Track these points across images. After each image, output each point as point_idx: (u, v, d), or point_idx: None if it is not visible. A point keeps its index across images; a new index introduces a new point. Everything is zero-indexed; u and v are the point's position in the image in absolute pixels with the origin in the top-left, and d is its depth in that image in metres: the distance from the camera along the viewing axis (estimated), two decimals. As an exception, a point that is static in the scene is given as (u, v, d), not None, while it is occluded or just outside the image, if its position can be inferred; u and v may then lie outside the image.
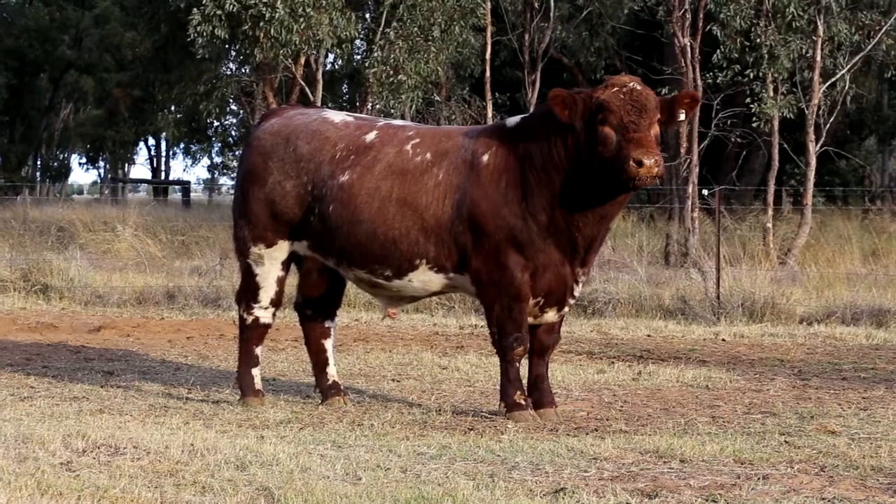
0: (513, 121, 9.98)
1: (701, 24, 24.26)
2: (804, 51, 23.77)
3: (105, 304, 18.41)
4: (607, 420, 9.67)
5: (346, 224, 9.90)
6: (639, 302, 17.58)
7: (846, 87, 24.45)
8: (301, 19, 23.75)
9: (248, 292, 10.45)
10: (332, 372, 10.47)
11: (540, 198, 9.52)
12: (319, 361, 10.50)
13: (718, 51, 24.02)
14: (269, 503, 6.70)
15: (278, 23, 23.60)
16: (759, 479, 7.32)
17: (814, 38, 23.69)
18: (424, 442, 8.50)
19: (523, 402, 9.67)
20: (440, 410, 9.94)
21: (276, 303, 10.45)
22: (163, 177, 68.09)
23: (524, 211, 9.54)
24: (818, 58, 23.68)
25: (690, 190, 23.99)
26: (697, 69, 24.15)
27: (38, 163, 59.31)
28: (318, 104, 24.85)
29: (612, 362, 13.03)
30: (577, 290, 9.86)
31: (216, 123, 53.44)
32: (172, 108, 48.31)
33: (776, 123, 24.36)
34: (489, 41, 27.73)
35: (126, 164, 73.70)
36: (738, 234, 22.12)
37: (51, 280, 19.18)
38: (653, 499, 6.90)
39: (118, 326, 15.90)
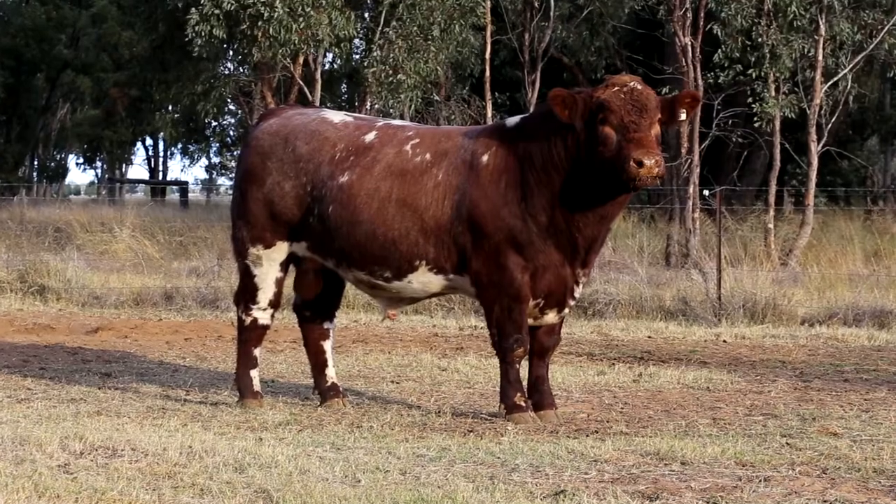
0: (512, 121, 9.95)
1: (702, 24, 24.25)
2: (806, 50, 23.74)
3: (102, 305, 18.38)
4: (608, 422, 9.65)
5: (346, 225, 9.87)
6: (639, 303, 17.57)
7: (848, 87, 24.42)
8: (300, 18, 23.72)
9: (246, 293, 10.42)
10: (330, 373, 10.45)
11: (540, 198, 9.49)
12: (318, 363, 10.47)
13: (719, 50, 24.00)
14: (267, 506, 6.68)
15: (277, 22, 23.57)
16: (760, 481, 7.29)
17: (815, 37, 23.66)
18: (424, 444, 8.47)
19: (523, 404, 9.64)
20: (440, 412, 9.91)
21: (275, 304, 10.42)
22: (160, 177, 68.10)
23: (524, 211, 9.51)
24: (820, 57, 23.65)
25: (691, 190, 23.97)
26: (698, 68, 24.13)
27: (35, 163, 59.33)
28: (317, 104, 24.82)
29: (613, 364, 13.01)
30: (578, 292, 9.83)
31: (214, 123, 53.56)
32: (170, 107, 48.29)
33: (778, 123, 24.33)
34: (489, 40, 27.69)
35: (123, 165, 73.72)
36: (739, 234, 22.10)
37: (48, 281, 19.14)
38: (654, 501, 6.88)
39: (116, 328, 15.87)
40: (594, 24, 31.16)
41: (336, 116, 10.45)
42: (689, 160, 24.23)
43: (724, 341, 15.22)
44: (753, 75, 23.85)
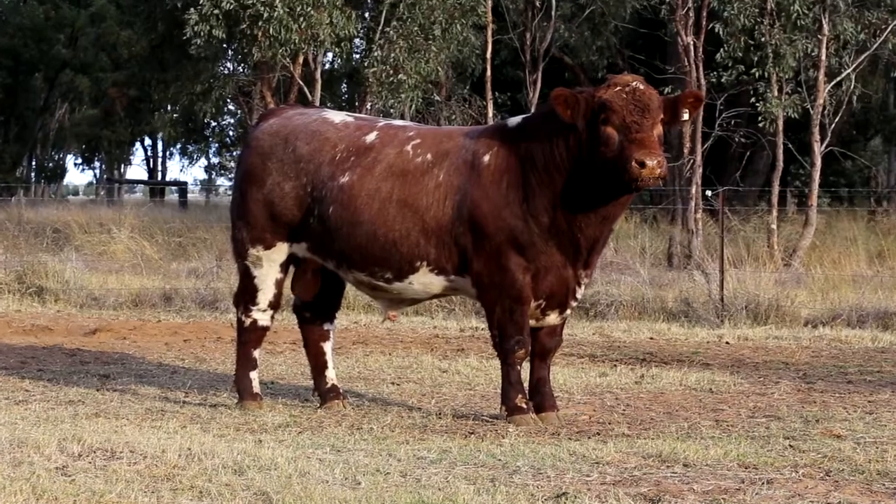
0: (514, 121, 9.91)
1: (704, 23, 24.25)
2: (809, 49, 23.72)
3: (101, 306, 18.36)
4: (609, 424, 9.62)
5: (346, 226, 9.83)
6: (641, 304, 17.56)
7: (852, 87, 24.40)
8: (301, 18, 23.70)
9: (246, 294, 10.38)
10: (330, 375, 10.41)
11: (541, 199, 9.45)
12: (318, 364, 10.43)
13: (722, 49, 23.97)
14: (266, 509, 6.65)
15: (277, 22, 23.55)
16: (763, 483, 7.27)
17: (819, 36, 23.65)
18: (424, 446, 8.44)
19: (525, 406, 9.60)
20: (440, 414, 9.88)
21: (275, 305, 10.38)
22: (159, 177, 68.16)
23: (525, 212, 9.47)
24: (823, 57, 23.64)
25: (694, 191, 23.97)
26: (701, 68, 24.13)
27: (33, 163, 59.37)
28: (317, 104, 24.80)
29: (615, 365, 12.99)
30: (580, 293, 9.80)
31: (213, 123, 53.59)
32: (169, 107, 48.36)
33: (781, 123, 24.33)
34: (490, 40, 27.69)
35: (122, 165, 73.81)
36: (741, 235, 22.11)
37: (46, 282, 19.11)
38: (656, 503, 6.85)
39: (114, 329, 15.84)
40: (596, 24, 31.17)
41: (337, 117, 10.40)
42: (692, 160, 24.22)
43: (727, 343, 15.20)
44: (756, 75, 23.83)
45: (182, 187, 57.77)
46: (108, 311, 17.95)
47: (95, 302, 18.57)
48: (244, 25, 23.82)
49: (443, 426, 9.43)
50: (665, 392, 11.31)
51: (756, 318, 16.78)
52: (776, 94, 23.85)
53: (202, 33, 24.15)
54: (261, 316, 10.35)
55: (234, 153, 54.08)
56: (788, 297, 17.27)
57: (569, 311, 9.84)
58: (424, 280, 9.77)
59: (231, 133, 53.80)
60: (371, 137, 10.05)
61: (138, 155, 76.02)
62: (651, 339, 15.55)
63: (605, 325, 16.58)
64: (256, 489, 6.91)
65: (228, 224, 11.01)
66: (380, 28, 25.26)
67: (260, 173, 10.23)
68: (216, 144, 62.31)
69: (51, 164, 61.40)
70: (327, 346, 10.46)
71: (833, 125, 24.61)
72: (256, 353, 10.42)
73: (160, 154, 71.39)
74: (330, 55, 29.09)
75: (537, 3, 28.82)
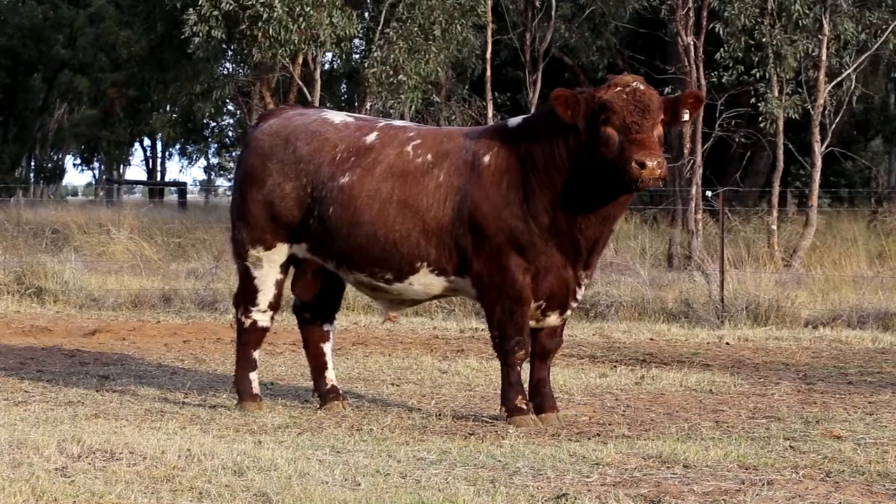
0: (514, 121, 9.90)
1: (704, 23, 24.24)
2: (810, 50, 23.71)
3: (100, 307, 18.35)
4: (610, 425, 9.61)
5: (346, 226, 9.82)
6: (641, 305, 17.56)
7: (852, 87, 24.39)
8: (300, 18, 23.69)
9: (245, 295, 10.37)
10: (330, 376, 10.39)
11: (542, 199, 9.44)
12: (318, 365, 10.42)
13: (722, 50, 23.96)
14: (266, 510, 6.64)
15: (276, 22, 23.54)
16: (763, 484, 7.27)
17: (819, 36, 23.64)
18: (424, 447, 8.43)
19: (525, 407, 9.58)
20: (440, 415, 9.87)
21: (275, 306, 10.36)
22: (158, 178, 68.13)
23: (525, 213, 9.46)
24: (824, 57, 23.63)
25: (694, 191, 23.96)
26: (701, 68, 24.12)
27: (32, 164, 59.37)
28: (317, 104, 24.80)
29: (615, 366, 12.98)
30: (580, 293, 9.78)
31: (213, 124, 53.57)
32: (168, 108, 48.35)
33: (781, 124, 24.32)
34: (490, 40, 27.68)
35: (121, 166, 73.74)
36: (742, 236, 22.09)
37: (45, 283, 19.10)
38: (656, 504, 6.85)
39: (113, 330, 15.83)
40: (596, 24, 31.15)
41: (337, 117, 10.39)
42: (692, 161, 24.21)
43: (727, 343, 15.18)
44: (757, 75, 23.83)
45: (181, 188, 57.75)
46: (108, 312, 17.95)
47: (95, 303, 18.56)
48: (244, 26, 23.82)
49: (443, 427, 9.41)
50: (665, 393, 11.29)
51: (756, 319, 16.77)
52: (776, 94, 23.84)
53: (201, 34, 24.14)
54: (261, 317, 10.34)
55: (234, 154, 54.07)
56: (789, 298, 17.26)
57: (569, 312, 9.83)
58: (425, 281, 9.76)
59: (230, 134, 53.81)
60: (371, 138, 10.04)
61: (137, 155, 76.13)
62: (651, 339, 15.54)
63: (606, 326, 16.57)
64: (256, 490, 6.90)
65: (228, 225, 11.01)
66: (379, 28, 25.26)
67: (260, 174, 10.22)
68: (215, 145, 62.30)
69: (50, 165, 61.40)
70: (327, 347, 10.44)
71: (833, 125, 24.61)
72: (256, 354, 10.40)
73: (159, 155, 71.40)
74: (329, 55, 29.09)
75: (537, 3, 28.81)
